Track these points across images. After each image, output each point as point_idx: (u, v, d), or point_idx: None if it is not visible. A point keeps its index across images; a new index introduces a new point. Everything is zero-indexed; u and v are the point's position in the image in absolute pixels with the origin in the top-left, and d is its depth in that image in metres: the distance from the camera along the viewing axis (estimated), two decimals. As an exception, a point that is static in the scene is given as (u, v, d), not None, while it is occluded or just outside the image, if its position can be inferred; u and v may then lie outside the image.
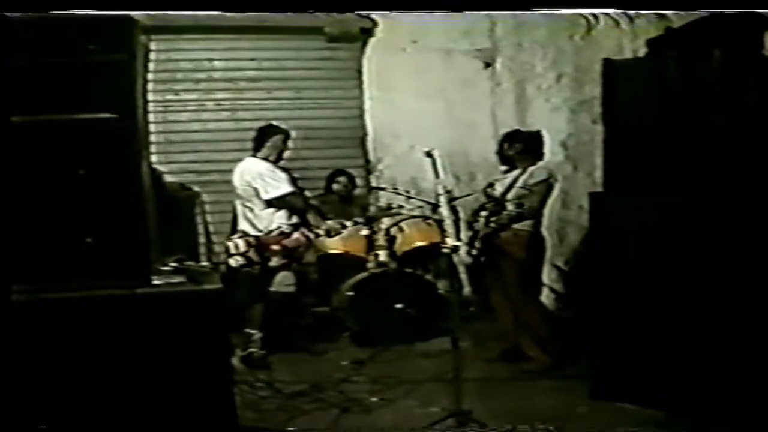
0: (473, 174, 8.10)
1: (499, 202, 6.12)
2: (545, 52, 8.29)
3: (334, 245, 7.06)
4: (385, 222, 7.19)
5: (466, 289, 5.03)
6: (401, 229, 7.14)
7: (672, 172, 4.86)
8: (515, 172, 6.24)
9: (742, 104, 4.75)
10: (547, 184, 6.20)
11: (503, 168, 6.41)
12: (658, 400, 4.85)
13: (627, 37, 8.08)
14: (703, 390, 4.68)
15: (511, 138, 6.43)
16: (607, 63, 5.24)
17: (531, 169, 6.17)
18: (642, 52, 5.77)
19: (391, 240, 7.09)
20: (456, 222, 5.48)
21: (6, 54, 3.70)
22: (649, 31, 7.07)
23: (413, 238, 7.08)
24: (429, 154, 5.15)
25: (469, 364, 4.94)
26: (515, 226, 6.05)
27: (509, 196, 6.11)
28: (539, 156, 6.30)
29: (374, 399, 5.37)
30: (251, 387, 5.45)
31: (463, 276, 4.99)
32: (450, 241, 4.97)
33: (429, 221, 7.05)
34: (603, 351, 5.18)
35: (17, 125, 3.74)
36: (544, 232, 6.27)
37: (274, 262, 6.35)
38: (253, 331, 6.26)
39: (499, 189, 6.23)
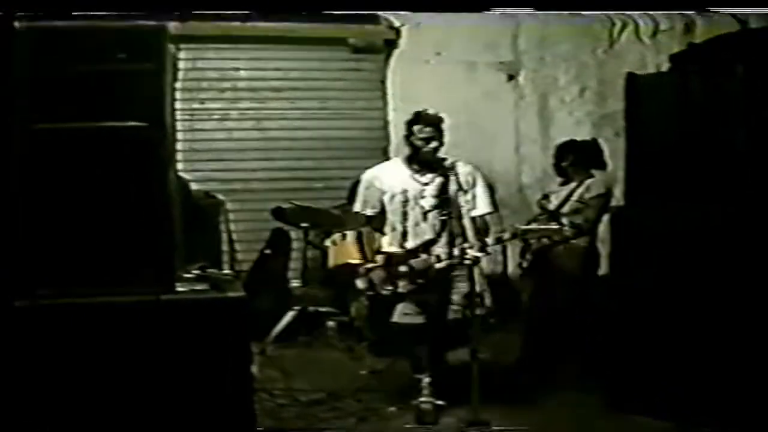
0: (495, 187, 8.10)
1: (554, 216, 5.99)
2: (568, 66, 8.31)
3: (354, 255, 7.02)
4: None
5: (487, 301, 5.03)
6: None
7: (694, 187, 4.87)
8: (571, 185, 6.12)
9: (765, 119, 4.76)
10: (605, 198, 6.04)
11: (560, 180, 6.29)
12: (673, 412, 4.85)
13: (650, 52, 8.09)
14: (717, 403, 4.67)
15: (564, 149, 6.30)
16: (631, 77, 5.27)
17: (588, 182, 6.05)
18: (665, 67, 5.77)
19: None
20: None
21: (38, 62, 3.77)
22: (672, 46, 7.09)
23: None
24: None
25: (487, 375, 4.95)
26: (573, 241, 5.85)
27: (564, 209, 6.03)
28: (600, 165, 6.19)
29: (392, 408, 5.39)
30: (270, 395, 5.48)
31: (485, 288, 4.98)
32: (472, 253, 4.95)
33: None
34: (619, 363, 5.19)
35: (47, 132, 3.80)
36: (599, 246, 6.12)
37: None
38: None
39: (554, 202, 6.13)
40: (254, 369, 5.71)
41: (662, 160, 5.02)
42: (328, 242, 6.98)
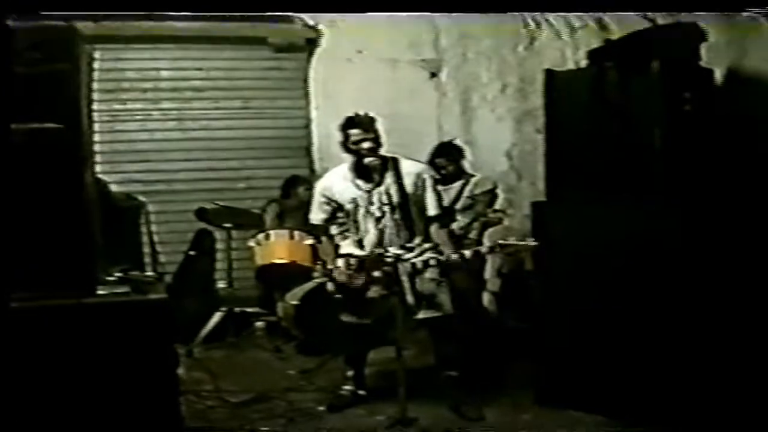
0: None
1: (448, 212, 6.05)
2: (490, 63, 8.37)
3: (280, 255, 6.99)
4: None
5: (410, 299, 5.06)
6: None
7: (612, 182, 4.95)
8: (457, 183, 6.49)
9: (681, 115, 4.86)
10: (492, 194, 6.52)
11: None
12: (603, 406, 4.93)
13: (569, 48, 8.18)
14: (646, 397, 4.76)
15: (446, 151, 6.73)
16: (549, 74, 5.32)
17: (474, 179, 6.48)
18: (584, 63, 5.85)
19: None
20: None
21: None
22: (591, 42, 7.18)
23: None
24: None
25: (413, 373, 4.98)
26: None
27: (458, 206, 6.34)
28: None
29: (321, 408, 5.39)
30: (198, 396, 5.44)
31: (407, 285, 5.02)
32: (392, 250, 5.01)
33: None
34: (547, 357, 5.26)
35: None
36: (485, 240, 6.40)
37: None
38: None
39: (446, 200, 6.17)
40: (181, 371, 5.67)
41: (581, 156, 5.10)
42: (251, 242, 6.96)
